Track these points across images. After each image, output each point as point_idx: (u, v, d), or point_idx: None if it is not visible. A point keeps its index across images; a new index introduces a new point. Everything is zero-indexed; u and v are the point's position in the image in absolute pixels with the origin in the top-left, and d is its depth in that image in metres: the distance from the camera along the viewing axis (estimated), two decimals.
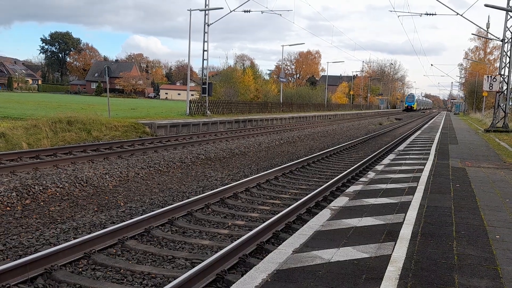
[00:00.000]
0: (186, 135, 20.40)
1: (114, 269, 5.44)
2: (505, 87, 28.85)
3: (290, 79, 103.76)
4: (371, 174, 10.25)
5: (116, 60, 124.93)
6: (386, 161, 12.82)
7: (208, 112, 30.57)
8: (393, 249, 5.00)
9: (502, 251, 5.07)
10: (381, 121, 46.50)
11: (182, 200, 8.66)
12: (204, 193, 9.23)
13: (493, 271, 4.46)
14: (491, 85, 28.48)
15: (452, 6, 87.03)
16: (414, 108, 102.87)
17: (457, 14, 26.46)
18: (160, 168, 12.60)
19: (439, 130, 28.04)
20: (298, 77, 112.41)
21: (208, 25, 30.22)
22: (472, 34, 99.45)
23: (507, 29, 28.06)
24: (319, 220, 6.15)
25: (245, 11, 32.28)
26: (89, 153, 13.58)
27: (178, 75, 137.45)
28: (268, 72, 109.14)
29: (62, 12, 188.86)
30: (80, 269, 5.39)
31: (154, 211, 7.54)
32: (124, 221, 7.16)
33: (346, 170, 12.38)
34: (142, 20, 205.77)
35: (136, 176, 11.51)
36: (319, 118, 45.53)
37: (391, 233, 5.60)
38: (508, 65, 28.33)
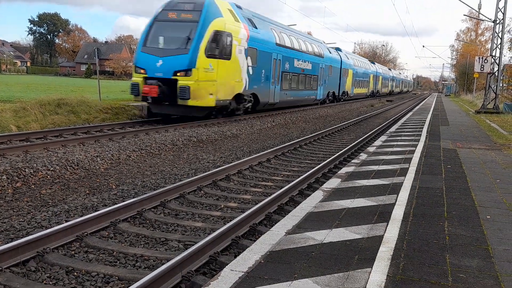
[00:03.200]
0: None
1: (106, 251, 5.43)
2: (496, 69, 28.96)
3: None
4: (363, 156, 10.28)
5: (106, 42, 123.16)
6: (378, 142, 12.86)
7: None
8: (385, 230, 5.03)
9: (493, 231, 5.12)
10: (372, 103, 46.55)
11: (175, 183, 8.64)
12: (196, 175, 9.21)
13: (484, 251, 4.51)
14: (482, 66, 28.55)
15: None
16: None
17: None
18: (151, 150, 12.53)
19: (430, 112, 28.15)
20: None
21: None
22: (464, 15, 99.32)
23: (498, 10, 28.02)
24: (312, 202, 6.17)
25: None
26: (79, 136, 13.45)
27: None
28: None
29: None
30: (73, 252, 5.38)
31: (146, 193, 7.52)
32: (116, 203, 7.12)
33: (338, 152, 12.40)
34: (132, 0, 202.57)
35: (128, 159, 11.45)
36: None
37: (383, 214, 5.63)
38: (499, 46, 28.37)
